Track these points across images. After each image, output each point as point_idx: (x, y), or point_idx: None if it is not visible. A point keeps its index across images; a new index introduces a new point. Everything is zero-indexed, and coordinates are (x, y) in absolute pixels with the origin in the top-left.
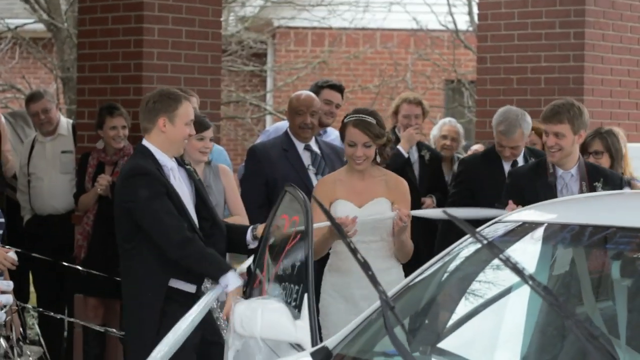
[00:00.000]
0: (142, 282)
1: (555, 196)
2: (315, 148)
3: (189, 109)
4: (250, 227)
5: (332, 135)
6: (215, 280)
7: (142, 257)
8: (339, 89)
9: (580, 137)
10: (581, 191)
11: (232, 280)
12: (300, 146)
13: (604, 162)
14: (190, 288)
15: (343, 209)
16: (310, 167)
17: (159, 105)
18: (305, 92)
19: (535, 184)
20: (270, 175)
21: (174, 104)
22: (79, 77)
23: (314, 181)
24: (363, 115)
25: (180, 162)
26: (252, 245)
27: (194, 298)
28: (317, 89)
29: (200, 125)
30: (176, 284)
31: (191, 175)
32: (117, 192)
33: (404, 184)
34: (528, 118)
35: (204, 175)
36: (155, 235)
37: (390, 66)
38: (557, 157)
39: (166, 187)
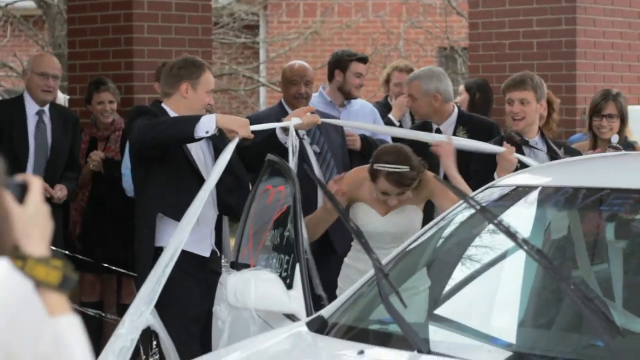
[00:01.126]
0: (141, 222)
1: (523, 164)
2: None
3: (211, 78)
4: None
5: (356, 105)
6: (192, 135)
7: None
8: (365, 60)
9: (541, 106)
10: (548, 159)
11: (208, 120)
12: None
13: (616, 125)
14: (194, 248)
15: (364, 217)
16: (305, 137)
17: (183, 71)
18: (299, 62)
19: None
20: None
21: (197, 71)
22: (69, 53)
23: (309, 151)
24: (395, 167)
25: None
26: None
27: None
28: (345, 61)
29: None
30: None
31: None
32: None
33: (426, 173)
34: (439, 85)
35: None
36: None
37: (383, 35)
38: (521, 125)
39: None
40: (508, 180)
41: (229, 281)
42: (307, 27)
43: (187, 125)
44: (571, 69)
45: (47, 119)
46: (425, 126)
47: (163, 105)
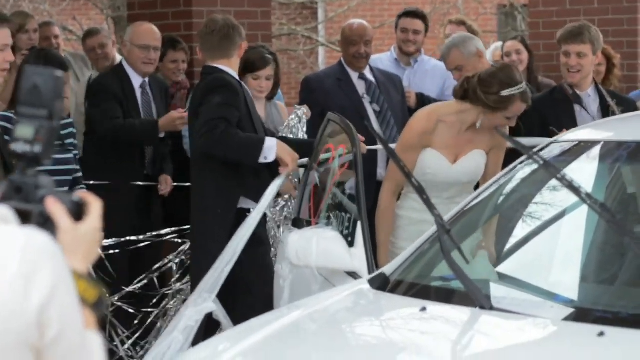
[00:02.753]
0: (213, 199)
1: (574, 119)
2: (369, 76)
3: None
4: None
5: (427, 65)
6: (255, 163)
7: (214, 173)
8: (416, 14)
9: (597, 58)
10: (602, 110)
11: (269, 148)
12: (354, 75)
13: None
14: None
15: (435, 164)
16: (365, 95)
17: (235, 32)
18: (358, 21)
19: (556, 109)
20: (325, 104)
21: (242, 31)
22: (129, 15)
23: (369, 110)
24: (520, 86)
25: None
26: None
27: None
28: (397, 19)
29: (253, 64)
30: (247, 203)
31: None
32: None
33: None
34: (476, 43)
35: (267, 111)
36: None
37: None
38: (577, 78)
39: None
40: (570, 136)
41: (291, 239)
42: None
43: (252, 151)
44: (633, 24)
45: (149, 90)
46: None
47: (223, 67)
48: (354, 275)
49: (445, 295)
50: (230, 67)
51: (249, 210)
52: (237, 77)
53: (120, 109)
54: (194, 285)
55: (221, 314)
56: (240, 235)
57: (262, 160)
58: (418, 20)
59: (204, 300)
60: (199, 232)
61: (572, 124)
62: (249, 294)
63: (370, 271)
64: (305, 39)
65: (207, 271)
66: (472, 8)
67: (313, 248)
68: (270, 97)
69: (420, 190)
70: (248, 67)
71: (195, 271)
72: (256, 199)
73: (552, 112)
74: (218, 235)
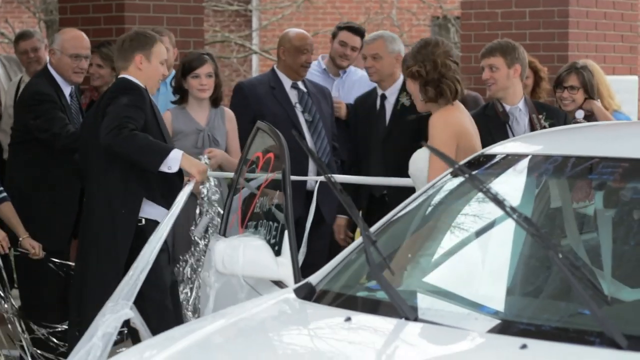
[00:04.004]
0: (118, 199)
1: (506, 133)
2: (302, 86)
3: (162, 48)
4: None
5: (355, 76)
6: (156, 169)
7: (120, 173)
8: (358, 31)
9: (515, 71)
10: (531, 124)
11: (174, 159)
12: (287, 84)
13: (579, 97)
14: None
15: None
16: (298, 105)
17: (135, 43)
18: (303, 31)
19: (487, 123)
20: (258, 111)
21: (150, 42)
22: (61, 19)
23: (301, 119)
24: None
25: None
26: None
27: None
28: (337, 29)
29: (190, 64)
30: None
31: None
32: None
33: None
34: (402, 47)
35: (209, 116)
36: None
37: (376, 3)
38: (492, 90)
39: (146, 110)
40: (498, 149)
41: (217, 247)
42: None
43: (155, 157)
44: (563, 38)
45: (76, 98)
46: (371, 94)
47: (126, 76)
48: (280, 284)
49: (371, 306)
50: (133, 76)
51: (156, 222)
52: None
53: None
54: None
55: (138, 321)
56: (153, 243)
57: (164, 168)
58: (358, 37)
59: (121, 307)
60: (103, 234)
61: (503, 137)
62: (140, 299)
63: (296, 280)
64: (239, 46)
65: (113, 272)
66: (406, 19)
67: (240, 256)
68: (215, 104)
69: (348, 204)
70: (186, 68)
71: (99, 271)
72: (162, 203)
73: (485, 128)
74: (121, 238)
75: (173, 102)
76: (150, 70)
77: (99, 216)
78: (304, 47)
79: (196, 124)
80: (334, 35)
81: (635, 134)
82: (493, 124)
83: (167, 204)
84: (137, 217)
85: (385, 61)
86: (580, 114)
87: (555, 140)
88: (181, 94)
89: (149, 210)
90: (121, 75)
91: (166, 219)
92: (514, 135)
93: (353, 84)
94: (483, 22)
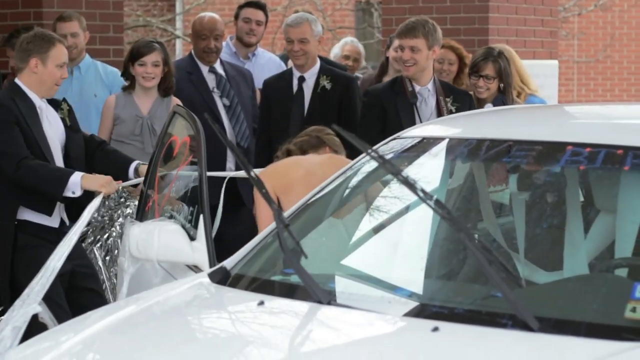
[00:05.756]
0: None
1: (413, 113)
2: (220, 70)
3: (61, 51)
4: (135, 163)
5: (262, 59)
6: (60, 197)
7: None
8: (258, 5)
9: (434, 52)
10: (438, 106)
11: (74, 184)
12: (204, 69)
13: (494, 86)
14: (44, 220)
15: None
16: (215, 89)
17: (32, 45)
18: (209, 15)
19: (395, 101)
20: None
21: (46, 45)
22: None
23: (219, 104)
24: None
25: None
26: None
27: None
28: (238, 10)
29: (138, 51)
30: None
31: (63, 120)
32: None
33: None
34: (320, 28)
35: (154, 104)
36: None
37: None
38: (412, 71)
39: (18, 119)
40: (414, 132)
41: (132, 232)
42: None
43: (57, 186)
44: (484, 22)
45: None
46: (283, 76)
47: (16, 81)
48: (195, 268)
49: (286, 290)
50: (25, 80)
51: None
52: (32, 95)
53: None
54: None
55: (47, 316)
56: (62, 249)
57: (68, 194)
58: (260, 11)
59: (30, 302)
60: None
61: (410, 116)
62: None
63: (211, 265)
64: (162, 31)
65: None
66: (329, 3)
67: (154, 241)
68: (166, 93)
69: (258, 185)
70: (134, 54)
71: None
72: (41, 209)
73: (392, 107)
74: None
75: (123, 88)
76: (44, 75)
77: None
78: (201, 33)
79: (137, 110)
80: (237, 16)
81: (549, 118)
82: (401, 104)
83: (47, 210)
84: (14, 224)
85: (312, 44)
86: (489, 108)
87: (471, 123)
88: (131, 80)
89: (25, 214)
90: (15, 80)
91: (73, 230)
92: (420, 117)
93: (263, 67)
94: (404, 6)
